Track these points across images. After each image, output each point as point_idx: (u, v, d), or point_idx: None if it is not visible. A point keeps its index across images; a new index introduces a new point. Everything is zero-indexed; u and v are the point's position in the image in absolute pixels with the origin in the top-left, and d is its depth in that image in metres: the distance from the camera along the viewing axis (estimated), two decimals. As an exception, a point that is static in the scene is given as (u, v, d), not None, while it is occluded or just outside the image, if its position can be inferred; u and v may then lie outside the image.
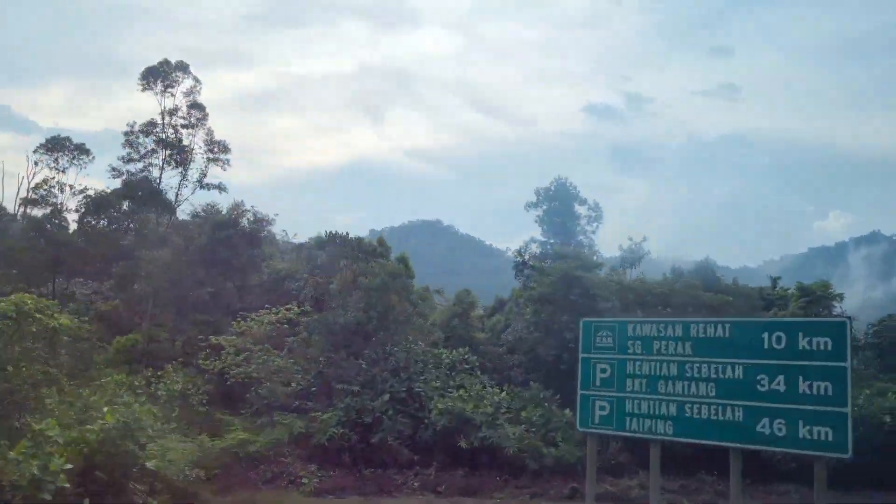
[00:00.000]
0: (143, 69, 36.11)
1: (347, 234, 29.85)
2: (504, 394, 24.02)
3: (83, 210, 35.00)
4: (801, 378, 12.66)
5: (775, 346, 13.07)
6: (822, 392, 12.41)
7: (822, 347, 12.60)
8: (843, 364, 12.34)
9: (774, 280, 48.12)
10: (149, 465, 14.33)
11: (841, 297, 44.90)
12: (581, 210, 38.47)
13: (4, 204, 43.59)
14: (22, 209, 40.49)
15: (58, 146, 37.88)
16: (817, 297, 42.78)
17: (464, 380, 25.42)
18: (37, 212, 38.19)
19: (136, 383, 20.53)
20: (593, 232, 38.16)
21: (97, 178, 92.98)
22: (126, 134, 36.90)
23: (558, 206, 37.38)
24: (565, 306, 28.42)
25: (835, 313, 48.25)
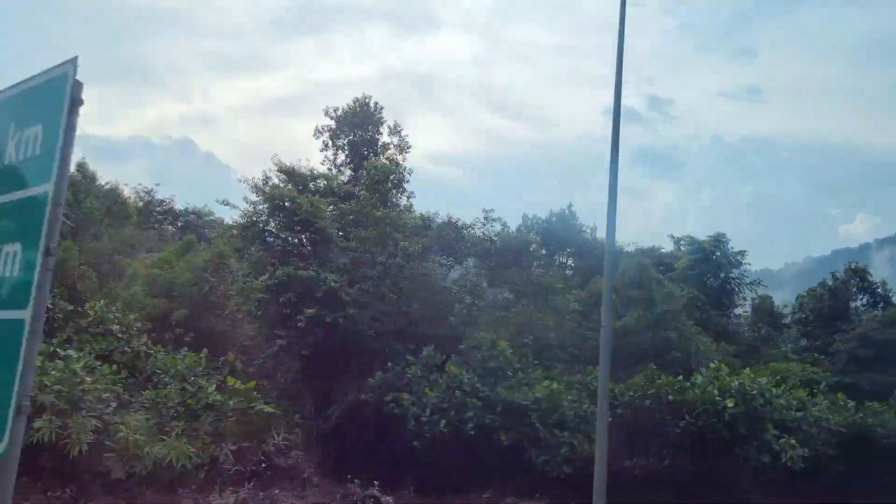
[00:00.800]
0: None
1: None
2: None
3: None
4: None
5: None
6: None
7: (25, 155, 4.24)
8: (39, 192, 3.95)
9: (678, 241, 39.71)
10: None
11: (742, 254, 36.32)
12: (384, 137, 30.29)
13: None
14: None
15: None
16: (708, 254, 34.22)
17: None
18: None
19: None
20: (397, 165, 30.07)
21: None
22: None
23: (356, 133, 29.24)
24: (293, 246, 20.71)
25: (749, 282, 39.84)
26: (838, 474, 23.04)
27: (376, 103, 29.69)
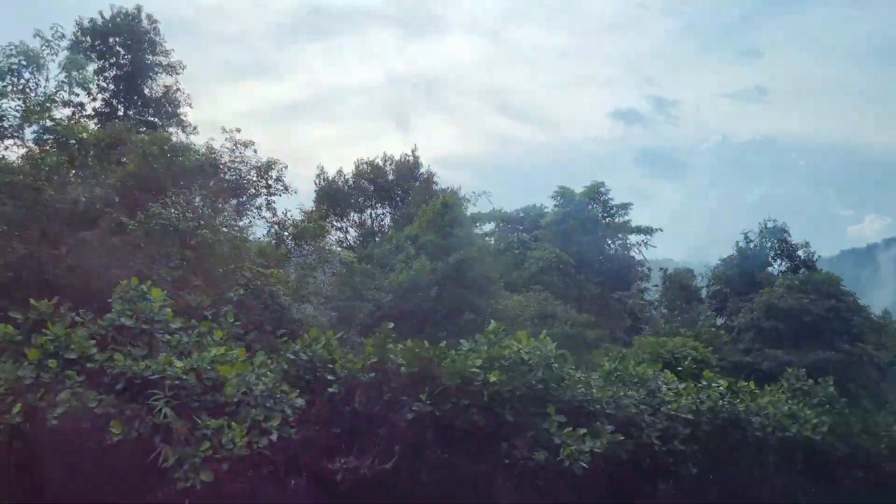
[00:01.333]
0: None
1: None
2: None
3: None
4: None
5: None
6: None
7: None
8: None
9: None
10: None
11: (626, 207, 30.02)
12: (155, 57, 24.26)
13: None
14: None
15: None
16: (580, 206, 28.12)
17: None
18: None
19: None
20: (175, 89, 24.34)
21: None
22: None
23: (120, 52, 23.18)
24: None
25: (635, 243, 33.93)
26: (696, 475, 17.47)
27: (149, 16, 23.76)
